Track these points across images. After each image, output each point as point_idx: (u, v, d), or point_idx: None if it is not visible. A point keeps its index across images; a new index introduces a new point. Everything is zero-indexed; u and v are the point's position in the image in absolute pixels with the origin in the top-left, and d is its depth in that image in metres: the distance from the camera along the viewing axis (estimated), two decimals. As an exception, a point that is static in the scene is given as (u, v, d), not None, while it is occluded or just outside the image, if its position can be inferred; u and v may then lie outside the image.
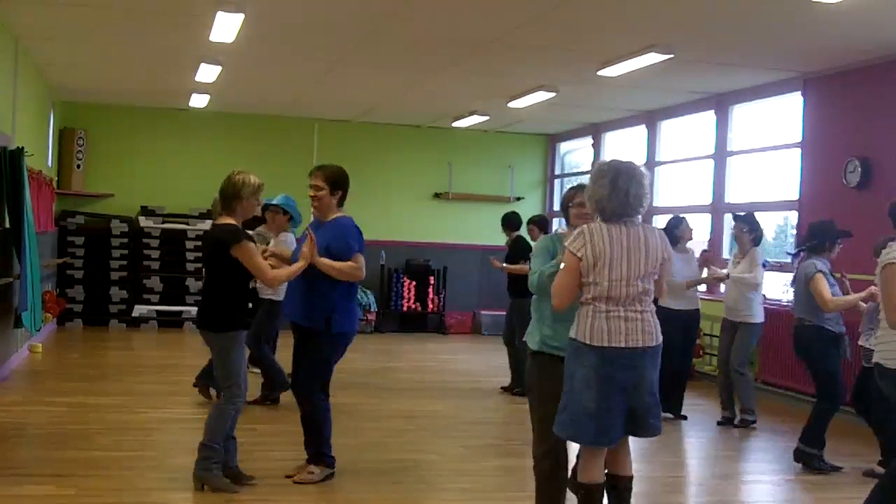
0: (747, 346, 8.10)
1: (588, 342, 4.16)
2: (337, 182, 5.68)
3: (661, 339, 4.27)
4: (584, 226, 4.26)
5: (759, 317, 8.06)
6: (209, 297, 5.49)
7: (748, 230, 8.06)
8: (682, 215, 8.70)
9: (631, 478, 4.42)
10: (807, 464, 6.58)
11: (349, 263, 5.53)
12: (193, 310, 11.93)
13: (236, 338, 5.41)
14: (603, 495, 4.35)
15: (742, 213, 8.33)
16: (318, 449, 5.72)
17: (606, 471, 4.36)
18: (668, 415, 7.97)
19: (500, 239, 11.50)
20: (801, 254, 6.87)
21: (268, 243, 8.18)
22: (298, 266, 5.40)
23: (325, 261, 5.46)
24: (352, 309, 5.71)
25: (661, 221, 12.48)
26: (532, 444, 4.66)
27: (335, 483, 5.73)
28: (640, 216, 4.36)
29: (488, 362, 11.42)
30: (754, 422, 8.01)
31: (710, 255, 8.80)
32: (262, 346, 7.89)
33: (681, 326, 8.01)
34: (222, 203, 5.43)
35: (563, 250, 4.32)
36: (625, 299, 4.17)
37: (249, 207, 5.47)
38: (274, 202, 7.82)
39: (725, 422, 8.13)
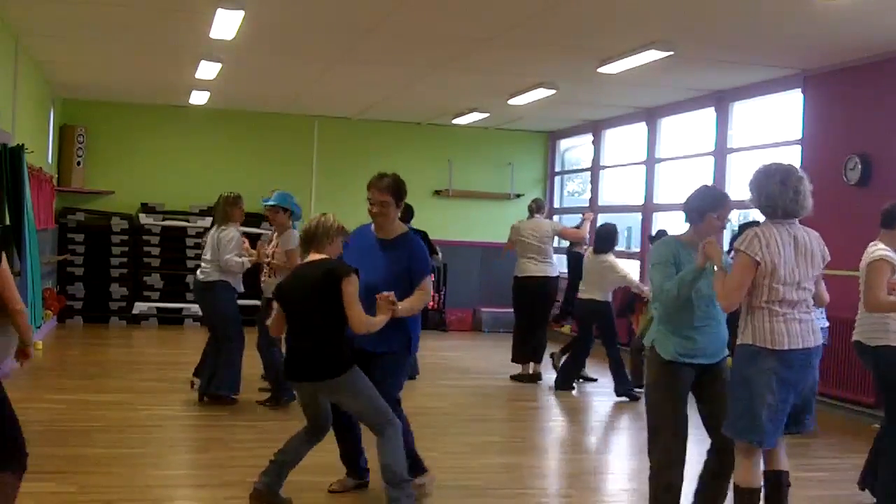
0: None
1: (769, 346, 4.22)
2: (400, 192, 5.20)
3: (821, 339, 4.40)
4: (755, 229, 4.29)
5: None
6: (324, 340, 4.88)
7: None
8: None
9: (788, 472, 4.50)
10: None
11: (423, 293, 5.16)
12: (194, 307, 11.85)
13: (359, 371, 4.95)
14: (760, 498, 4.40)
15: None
16: (414, 460, 5.35)
17: (763, 469, 4.45)
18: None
19: (500, 236, 11.54)
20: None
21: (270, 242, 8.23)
22: (383, 319, 4.91)
23: (407, 306, 5.03)
24: (420, 325, 5.43)
25: (661, 220, 12.50)
26: (651, 451, 4.69)
27: (334, 479, 5.74)
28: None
29: (489, 359, 11.43)
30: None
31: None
32: (274, 350, 7.67)
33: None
34: (314, 243, 5.00)
35: (703, 256, 4.37)
36: (797, 302, 4.26)
37: (337, 248, 5.09)
38: (272, 202, 7.80)
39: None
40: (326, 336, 4.86)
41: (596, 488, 6.15)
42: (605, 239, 9.27)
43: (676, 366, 4.56)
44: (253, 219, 12.54)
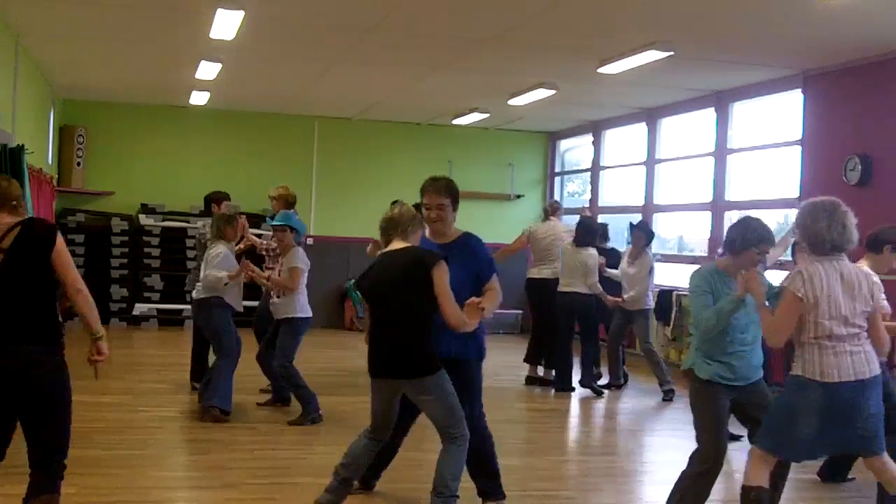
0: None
1: (818, 378, 4.32)
2: (456, 194, 5.08)
3: (878, 368, 4.44)
4: (800, 267, 4.44)
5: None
6: (414, 334, 4.65)
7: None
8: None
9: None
10: None
11: (495, 292, 5.01)
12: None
13: (445, 373, 4.73)
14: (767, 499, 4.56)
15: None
16: (496, 481, 5.28)
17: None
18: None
19: (500, 237, 11.53)
20: None
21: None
22: (475, 323, 4.72)
23: (489, 307, 4.85)
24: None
25: (661, 220, 12.50)
26: (698, 456, 4.84)
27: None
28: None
29: (489, 360, 11.38)
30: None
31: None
32: (290, 366, 7.45)
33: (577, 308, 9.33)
34: (398, 230, 4.81)
35: (743, 288, 4.48)
36: (846, 336, 4.34)
37: (419, 237, 4.92)
38: (279, 223, 7.57)
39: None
40: (416, 329, 4.64)
41: (596, 490, 6.15)
42: (587, 232, 9.34)
43: (714, 385, 4.71)
44: (252, 219, 12.54)
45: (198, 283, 7.80)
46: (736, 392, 4.74)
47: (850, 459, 5.96)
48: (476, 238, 5.18)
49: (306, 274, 7.48)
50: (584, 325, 9.51)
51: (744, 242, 4.67)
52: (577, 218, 10.00)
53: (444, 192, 5.01)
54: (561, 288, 9.35)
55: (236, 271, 7.50)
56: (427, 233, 5.12)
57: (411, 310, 4.64)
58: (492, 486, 5.25)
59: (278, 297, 7.52)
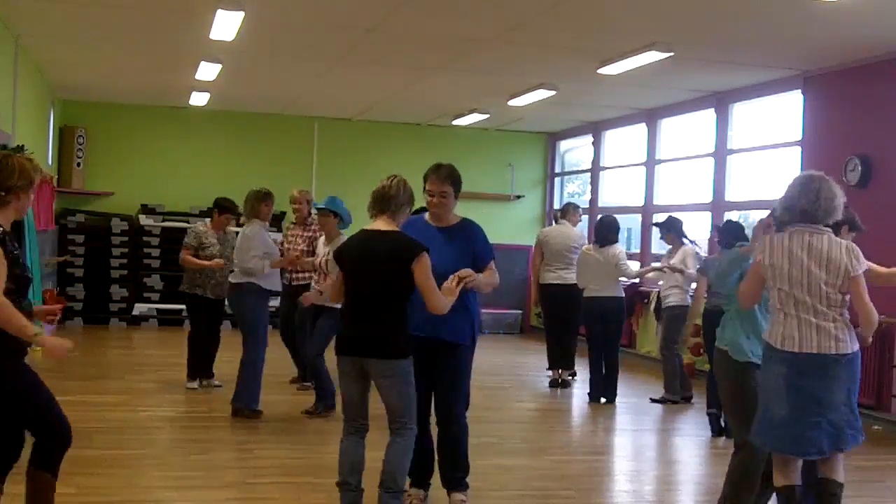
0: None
1: (779, 346, 4.34)
2: (458, 182, 5.15)
3: (848, 349, 4.32)
4: (767, 236, 4.51)
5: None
6: (389, 319, 4.62)
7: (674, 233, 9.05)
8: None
9: (842, 484, 4.45)
10: None
11: (492, 272, 5.12)
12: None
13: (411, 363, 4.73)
14: (796, 498, 4.44)
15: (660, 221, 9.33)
16: (465, 474, 5.28)
17: (819, 475, 4.48)
18: (604, 400, 8.97)
19: (501, 236, 11.51)
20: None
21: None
22: (452, 300, 4.70)
23: (483, 280, 4.98)
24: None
25: (661, 220, 12.49)
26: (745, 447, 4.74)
27: (335, 481, 5.73)
28: (828, 226, 4.44)
29: (487, 360, 11.41)
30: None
31: None
32: (320, 359, 7.50)
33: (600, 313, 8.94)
34: (390, 206, 4.74)
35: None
36: (811, 307, 4.29)
37: (405, 218, 4.91)
38: (323, 205, 7.51)
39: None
40: (394, 313, 4.62)
41: (596, 490, 6.15)
42: (610, 230, 9.09)
43: (755, 367, 4.68)
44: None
45: (234, 267, 7.72)
46: None
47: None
48: (476, 224, 5.24)
49: None
50: (612, 331, 9.10)
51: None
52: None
53: (446, 179, 5.08)
54: (588, 294, 9.03)
55: (280, 261, 7.57)
56: (427, 217, 5.22)
57: (389, 294, 4.62)
58: (460, 478, 5.27)
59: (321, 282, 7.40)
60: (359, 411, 4.80)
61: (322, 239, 7.72)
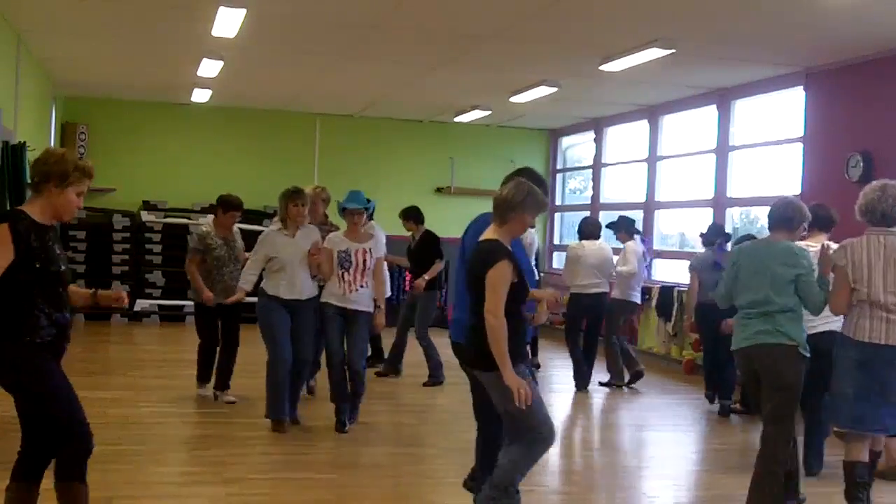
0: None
1: (852, 336, 4.86)
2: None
3: None
4: (847, 240, 4.95)
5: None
6: (481, 329, 4.32)
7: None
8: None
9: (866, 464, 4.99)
10: None
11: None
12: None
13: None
14: (861, 473, 4.92)
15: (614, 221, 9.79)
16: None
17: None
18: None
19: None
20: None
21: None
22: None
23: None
24: None
25: (661, 218, 12.49)
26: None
27: (335, 477, 5.74)
28: None
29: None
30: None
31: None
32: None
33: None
34: (503, 213, 4.44)
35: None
36: (886, 304, 4.79)
37: (523, 225, 4.51)
38: (355, 205, 6.99)
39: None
40: (481, 324, 4.31)
41: (595, 485, 6.16)
42: (596, 225, 9.64)
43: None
44: (252, 216, 12.56)
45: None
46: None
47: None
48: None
49: None
50: (603, 324, 9.45)
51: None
52: (578, 215, 9.97)
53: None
54: (589, 290, 9.21)
55: (318, 268, 6.97)
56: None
57: (481, 305, 4.33)
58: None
59: (361, 286, 6.93)
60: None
61: (333, 235, 7.18)
